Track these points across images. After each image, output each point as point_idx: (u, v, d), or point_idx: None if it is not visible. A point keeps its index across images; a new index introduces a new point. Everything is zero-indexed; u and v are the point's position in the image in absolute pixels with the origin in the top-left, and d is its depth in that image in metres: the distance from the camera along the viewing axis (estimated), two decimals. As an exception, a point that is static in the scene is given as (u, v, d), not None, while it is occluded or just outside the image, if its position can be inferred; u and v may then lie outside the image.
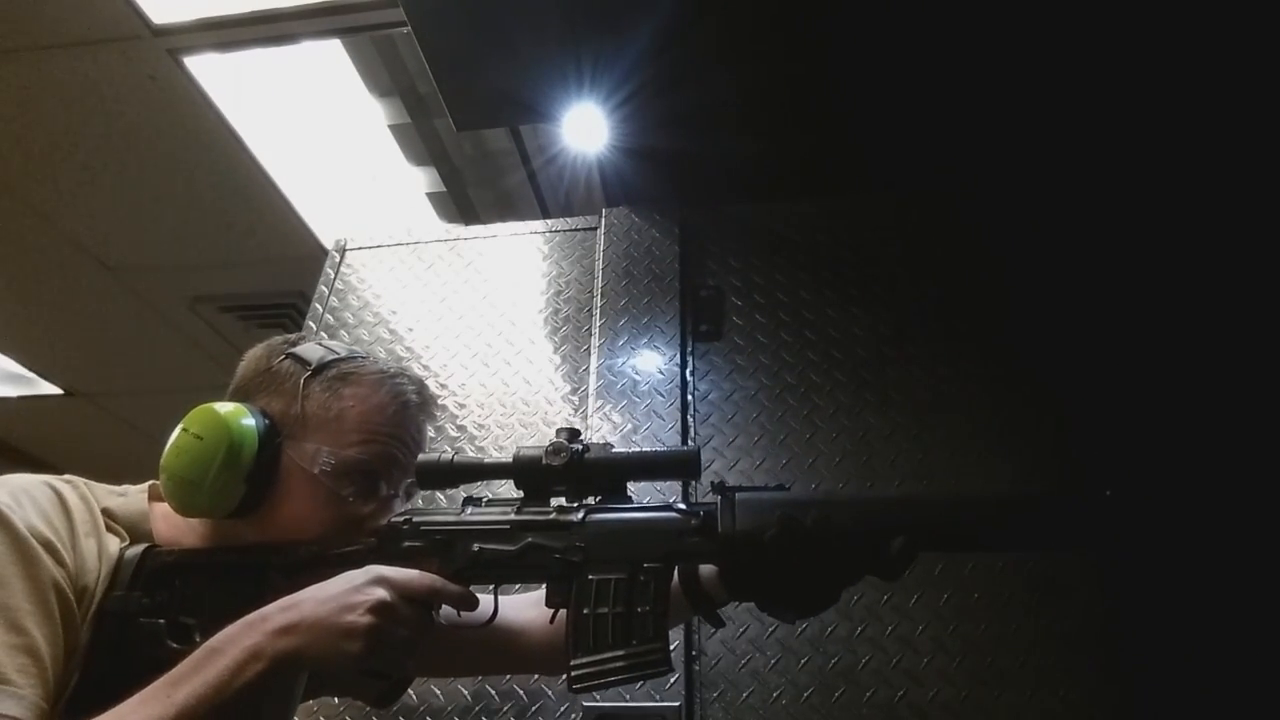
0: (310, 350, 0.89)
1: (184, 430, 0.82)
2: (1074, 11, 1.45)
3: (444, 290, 1.85)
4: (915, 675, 1.31)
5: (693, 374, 1.65)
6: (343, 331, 1.81)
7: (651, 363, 1.65)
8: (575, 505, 0.85)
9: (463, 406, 1.68)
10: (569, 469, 0.83)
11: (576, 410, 1.64)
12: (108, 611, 0.75)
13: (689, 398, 1.62)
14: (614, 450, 0.85)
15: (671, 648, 1.33)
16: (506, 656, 1.01)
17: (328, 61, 2.17)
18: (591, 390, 1.64)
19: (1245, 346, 1.49)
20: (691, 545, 0.81)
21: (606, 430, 1.58)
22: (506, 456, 0.85)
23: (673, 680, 1.32)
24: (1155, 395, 1.47)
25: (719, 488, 0.82)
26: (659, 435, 1.56)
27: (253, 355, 0.91)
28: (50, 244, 2.75)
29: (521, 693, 1.36)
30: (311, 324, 1.84)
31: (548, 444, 0.83)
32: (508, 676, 1.36)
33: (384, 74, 2.21)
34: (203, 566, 0.81)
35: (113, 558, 0.78)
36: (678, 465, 0.89)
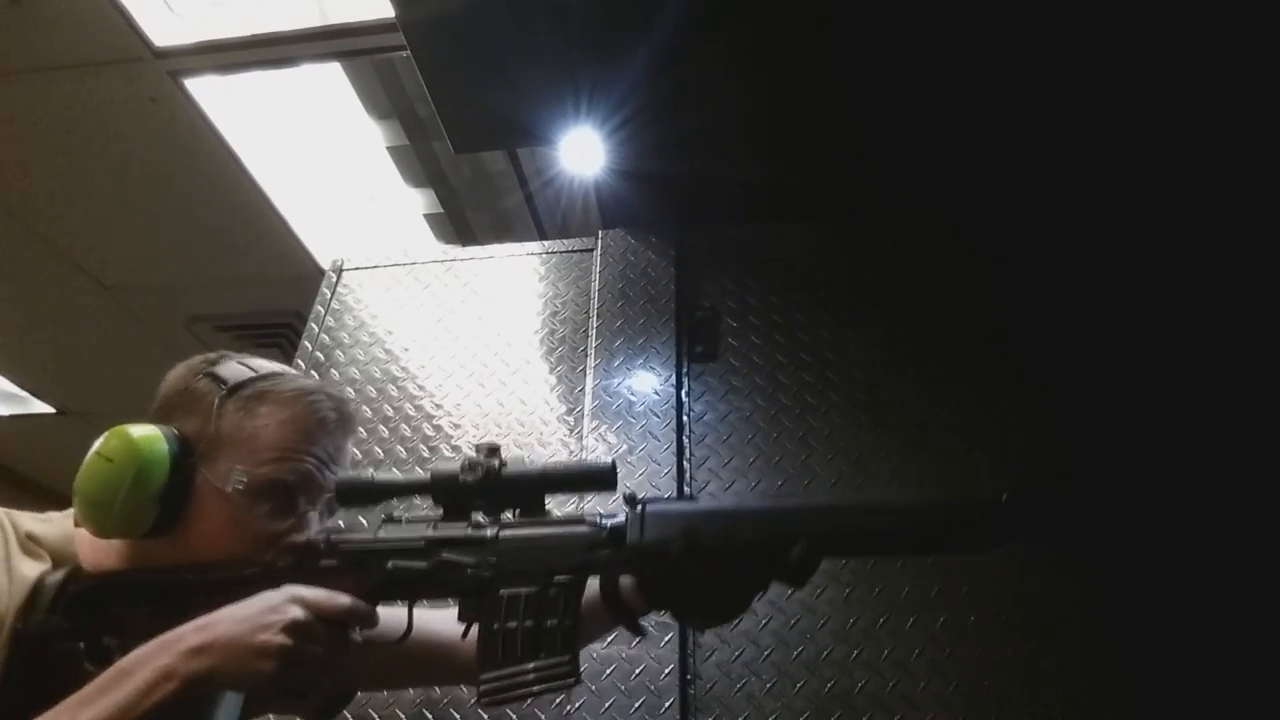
0: (228, 369, 0.89)
1: (96, 453, 0.83)
2: (1071, 43, 1.48)
3: (440, 311, 1.86)
4: (912, 700, 1.30)
5: (688, 395, 1.66)
6: (338, 352, 1.82)
7: (647, 383, 1.66)
8: (489, 521, 0.86)
9: (458, 427, 1.67)
10: (485, 484, 0.84)
11: (572, 431, 1.64)
12: (24, 636, 0.75)
13: (684, 418, 1.62)
14: (530, 465, 0.86)
15: (665, 671, 1.34)
16: (436, 668, 1.02)
17: (327, 84, 2.19)
18: (587, 411, 1.64)
19: (1244, 366, 1.49)
20: (601, 557, 0.83)
21: (602, 451, 1.58)
22: (425, 474, 0.86)
23: (668, 704, 1.31)
24: (1150, 411, 1.47)
25: (629, 499, 0.84)
26: (654, 456, 1.56)
27: (174, 375, 0.92)
28: (47, 262, 2.75)
29: (514, 716, 1.34)
30: (307, 344, 1.84)
31: (463, 460, 0.84)
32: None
33: (383, 97, 2.23)
34: (125, 589, 0.81)
35: (28, 582, 0.78)
36: (594, 478, 0.89)
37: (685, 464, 1.56)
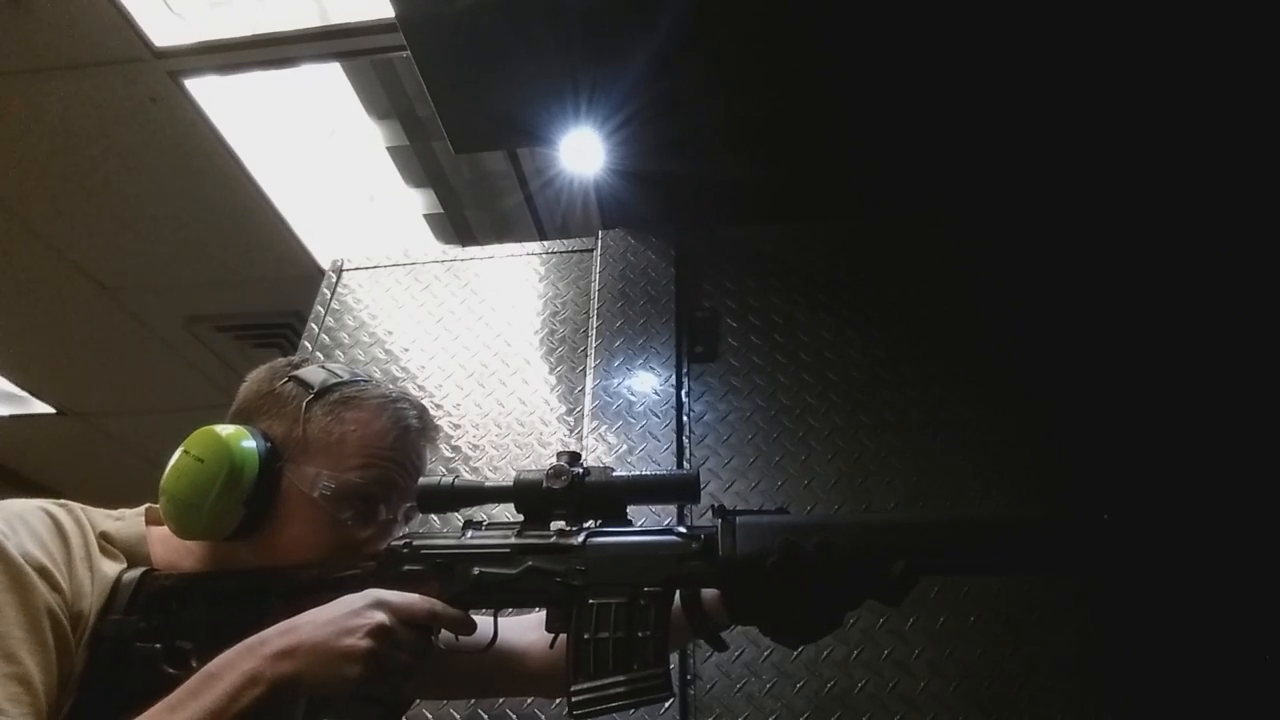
0: (313, 373, 0.89)
1: (185, 452, 0.82)
2: (1058, 42, 1.48)
3: (440, 311, 1.86)
4: (911, 699, 1.30)
5: (688, 395, 1.66)
6: (338, 352, 1.82)
7: (647, 384, 1.66)
8: (575, 529, 0.84)
9: (458, 427, 1.68)
10: (569, 492, 0.83)
11: (572, 431, 1.64)
12: (104, 636, 0.75)
13: (684, 419, 1.62)
14: (614, 474, 0.85)
15: (666, 671, 1.33)
16: (507, 679, 1.01)
17: (327, 84, 2.19)
18: (587, 411, 1.64)
19: (1238, 366, 1.50)
20: (692, 570, 0.81)
21: (602, 451, 1.58)
22: (507, 480, 0.85)
23: (667, 705, 1.30)
24: (1147, 414, 1.48)
25: (719, 511, 0.82)
26: (654, 456, 1.56)
27: (255, 377, 0.91)
28: (46, 262, 2.75)
29: (514, 716, 1.35)
30: (307, 344, 1.84)
31: (548, 467, 0.83)
32: (500, 700, 1.35)
33: (383, 97, 2.23)
34: (201, 591, 0.81)
35: (108, 581, 0.78)
36: (678, 489, 0.88)
37: (685, 464, 1.56)
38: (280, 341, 3.12)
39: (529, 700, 1.34)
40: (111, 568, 0.79)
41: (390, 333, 1.84)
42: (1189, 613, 1.29)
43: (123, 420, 3.66)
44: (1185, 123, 1.63)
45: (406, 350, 1.81)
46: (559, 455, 0.84)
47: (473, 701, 1.36)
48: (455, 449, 1.65)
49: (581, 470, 0.84)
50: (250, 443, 0.82)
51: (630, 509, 0.87)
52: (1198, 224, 1.68)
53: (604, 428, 1.61)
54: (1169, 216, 1.70)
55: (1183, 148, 1.67)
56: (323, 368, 0.91)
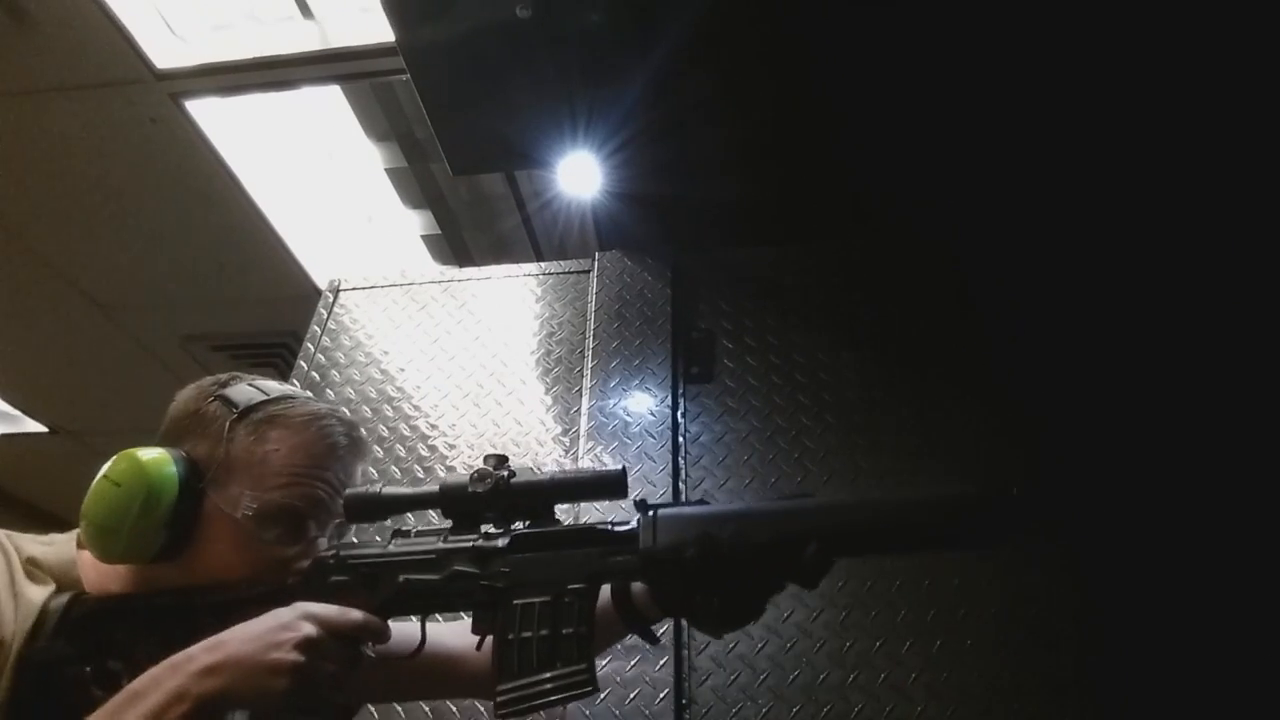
0: (239, 392, 0.89)
1: (104, 477, 0.82)
2: (1052, 68, 1.50)
3: (436, 331, 1.86)
4: (909, 724, 1.29)
5: (684, 416, 1.66)
6: (334, 371, 1.81)
7: (643, 405, 1.66)
8: (500, 531, 0.85)
9: (453, 447, 1.67)
10: (495, 495, 0.83)
11: (567, 452, 1.64)
12: (31, 662, 0.74)
13: (680, 440, 1.62)
14: (540, 474, 0.86)
15: (661, 696, 1.32)
16: (447, 682, 1.00)
17: (327, 106, 2.21)
18: (583, 432, 1.64)
19: (1239, 380, 1.50)
20: (614, 565, 0.82)
21: (597, 472, 1.57)
22: (434, 485, 0.86)
23: (663, 730, 1.29)
24: (1150, 436, 1.47)
25: (640, 505, 0.83)
26: (650, 477, 1.56)
27: (183, 397, 0.91)
28: (43, 280, 2.75)
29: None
30: (303, 364, 1.84)
31: (473, 471, 0.84)
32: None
33: (382, 119, 2.25)
34: (131, 612, 0.80)
35: (34, 606, 0.77)
36: (605, 486, 0.88)
37: (681, 485, 1.56)
38: (276, 361, 3.12)
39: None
40: (38, 593, 0.78)
41: (386, 353, 1.84)
42: (1190, 635, 1.28)
43: (116, 440, 3.62)
44: (1176, 133, 1.64)
45: (403, 370, 1.80)
46: (486, 459, 0.85)
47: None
48: (449, 469, 1.64)
49: (507, 473, 0.84)
50: (170, 467, 0.82)
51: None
52: (1197, 233, 1.68)
53: (600, 449, 1.60)
54: (1171, 242, 1.71)
55: (1175, 158, 1.68)
56: (251, 385, 0.90)
